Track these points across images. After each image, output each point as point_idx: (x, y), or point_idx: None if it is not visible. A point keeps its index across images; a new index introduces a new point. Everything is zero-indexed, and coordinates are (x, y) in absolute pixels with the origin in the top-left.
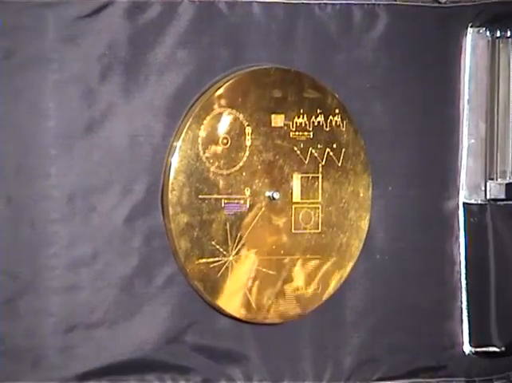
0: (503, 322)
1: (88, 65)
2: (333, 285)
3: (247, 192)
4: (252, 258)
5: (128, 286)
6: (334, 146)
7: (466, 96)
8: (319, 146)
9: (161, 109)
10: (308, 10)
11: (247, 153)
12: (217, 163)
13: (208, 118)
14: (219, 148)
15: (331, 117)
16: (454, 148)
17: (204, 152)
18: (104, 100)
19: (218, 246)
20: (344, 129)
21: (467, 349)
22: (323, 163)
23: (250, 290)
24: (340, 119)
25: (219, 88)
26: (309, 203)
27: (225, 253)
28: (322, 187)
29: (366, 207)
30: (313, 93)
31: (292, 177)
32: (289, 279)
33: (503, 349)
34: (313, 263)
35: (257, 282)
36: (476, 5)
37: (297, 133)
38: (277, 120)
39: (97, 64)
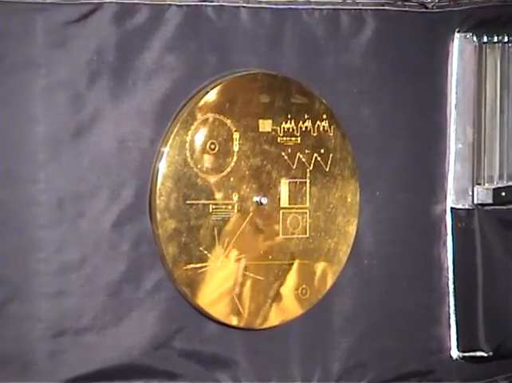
0: (491, 327)
1: (77, 70)
2: (321, 290)
3: (235, 197)
4: (240, 264)
5: (116, 291)
6: (322, 151)
7: (454, 101)
8: (307, 151)
9: (149, 114)
10: (295, 15)
11: (235, 158)
12: (204, 169)
13: (196, 123)
14: (207, 154)
15: (318, 122)
16: (441, 152)
17: (192, 158)
18: (92, 105)
19: (206, 252)
20: (331, 134)
21: (455, 353)
22: (311, 168)
23: (238, 295)
24: (327, 124)
25: (207, 93)
26: (297, 208)
27: (213, 258)
28: (310, 193)
29: (354, 212)
30: (301, 98)
31: (280, 182)
32: (277, 284)
33: (491, 353)
34: (300, 268)
35: (245, 288)
36: (463, 10)
37: (284, 138)
38: (265, 126)
39: (85, 69)
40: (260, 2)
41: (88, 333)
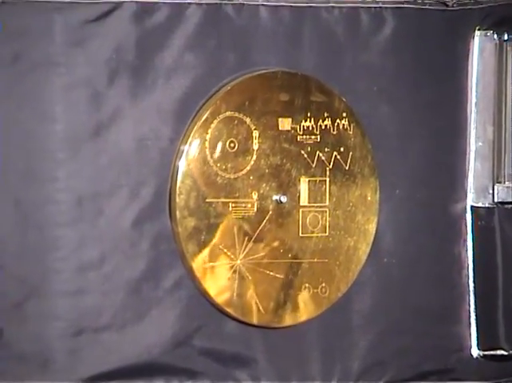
0: (511, 326)
1: (96, 69)
2: (341, 288)
3: (254, 196)
4: (259, 262)
5: (135, 289)
6: (341, 149)
7: (474, 99)
8: (326, 149)
9: (168, 113)
10: (315, 13)
11: (254, 157)
12: (224, 167)
13: (215, 122)
14: (226, 152)
15: (338, 121)
16: (461, 151)
17: (211, 156)
18: (111, 103)
19: (225, 250)
20: (351, 132)
21: (475, 352)
22: (330, 166)
23: (257, 293)
24: (347, 122)
25: (226, 91)
26: (317, 207)
27: (232, 257)
28: (329, 191)
29: (373, 211)
30: (320, 97)
31: (299, 181)
32: (296, 283)
33: (511, 352)
34: (320, 267)
35: (264, 286)
36: (483, 8)
37: (304, 137)
38: (285, 124)
39: (105, 68)
40: (279, 0)
41: (107, 331)
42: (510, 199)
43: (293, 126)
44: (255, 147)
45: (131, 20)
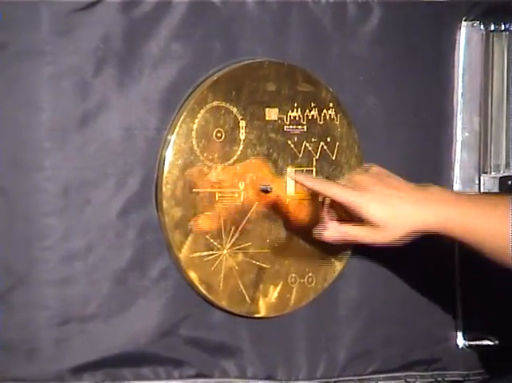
0: (497, 316)
1: (83, 58)
2: (327, 278)
3: (241, 186)
4: (246, 252)
5: (122, 279)
6: (328, 139)
7: (460, 90)
8: (313, 140)
9: (155, 102)
10: (301, 3)
11: (241, 147)
12: (211, 157)
13: (202, 112)
14: (213, 142)
15: (325, 111)
16: (447, 141)
17: (198, 146)
18: (98, 93)
19: (212, 240)
20: (338, 123)
21: (461, 342)
22: (317, 156)
23: (243, 283)
24: (334, 112)
25: (213, 81)
26: (303, 197)
27: (219, 246)
28: None
29: None
30: (307, 87)
31: (286, 171)
32: (283, 273)
33: (497, 342)
34: (306, 257)
35: (251, 276)
36: None
37: (290, 127)
38: (271, 114)
39: (91, 57)
40: None
41: (93, 320)
42: (495, 190)
43: (280, 116)
44: (242, 137)
45: (118, 9)
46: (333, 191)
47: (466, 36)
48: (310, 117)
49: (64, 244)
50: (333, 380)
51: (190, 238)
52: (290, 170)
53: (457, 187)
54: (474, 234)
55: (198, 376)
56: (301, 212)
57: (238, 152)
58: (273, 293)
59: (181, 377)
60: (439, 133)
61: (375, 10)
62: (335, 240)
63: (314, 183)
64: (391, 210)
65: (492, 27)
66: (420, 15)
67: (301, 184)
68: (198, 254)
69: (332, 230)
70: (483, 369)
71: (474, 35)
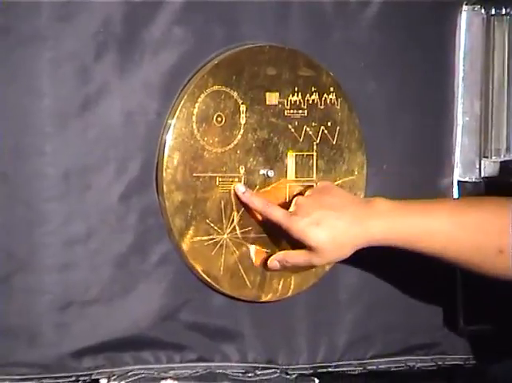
0: (498, 301)
1: (83, 43)
2: None
3: (241, 170)
4: (246, 237)
5: (123, 263)
6: (329, 124)
7: (461, 74)
8: (313, 124)
9: (156, 87)
10: None
11: (242, 131)
12: (211, 141)
13: (202, 96)
14: (214, 126)
15: (325, 95)
16: (448, 125)
17: (198, 130)
18: (98, 78)
19: (212, 225)
20: (338, 107)
21: (462, 326)
22: (317, 141)
23: (244, 268)
24: (334, 97)
25: (214, 65)
26: (304, 181)
27: (219, 231)
28: (317, 165)
29: (361, 185)
30: (308, 71)
31: (286, 155)
32: None
33: (497, 327)
34: None
35: (251, 260)
36: None
37: (291, 111)
38: (272, 98)
39: (92, 42)
40: None
41: (95, 305)
42: (496, 174)
43: (281, 100)
44: (242, 121)
45: None
46: (276, 215)
47: (467, 20)
48: (311, 102)
49: (65, 229)
50: (334, 364)
51: (190, 223)
52: (239, 185)
53: (458, 171)
54: (421, 242)
55: (199, 360)
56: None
57: (239, 137)
58: (274, 277)
59: (182, 362)
60: (439, 118)
61: None
62: (276, 267)
63: (259, 205)
64: (329, 232)
65: (493, 11)
66: (421, 0)
67: (246, 204)
68: (198, 238)
69: (273, 258)
70: (483, 354)
71: (475, 19)
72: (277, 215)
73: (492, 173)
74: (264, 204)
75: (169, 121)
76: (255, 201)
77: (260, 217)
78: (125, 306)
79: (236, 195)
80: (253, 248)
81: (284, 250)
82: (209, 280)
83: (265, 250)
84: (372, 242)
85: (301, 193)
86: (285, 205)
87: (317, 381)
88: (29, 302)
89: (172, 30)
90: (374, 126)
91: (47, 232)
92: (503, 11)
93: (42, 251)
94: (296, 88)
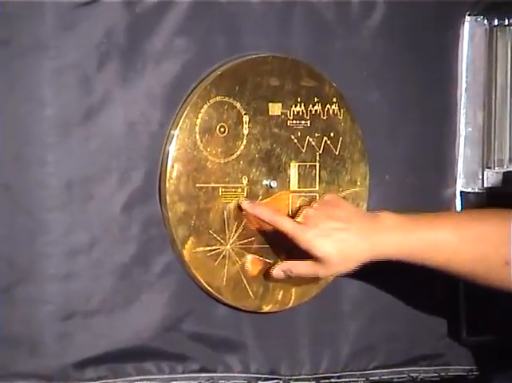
0: (500, 311)
1: (86, 53)
2: None
3: (244, 181)
4: (249, 247)
5: (125, 273)
6: (332, 134)
7: (464, 85)
8: (316, 134)
9: (159, 97)
10: None
11: (244, 142)
12: (214, 152)
13: (205, 106)
14: (216, 137)
15: (328, 106)
16: (451, 136)
17: (201, 141)
18: (101, 88)
19: (215, 235)
20: (341, 118)
21: (464, 337)
22: (320, 151)
23: (247, 278)
24: (337, 107)
25: (217, 76)
26: (307, 192)
27: (222, 241)
28: (319, 176)
29: (363, 196)
30: (311, 82)
31: (289, 166)
32: None
33: (500, 337)
34: None
35: (254, 271)
36: None
37: (294, 122)
38: (275, 109)
39: (95, 52)
40: None
41: (97, 315)
42: (499, 185)
43: (284, 111)
44: (245, 131)
45: (121, 4)
46: (285, 226)
47: (470, 31)
48: (314, 112)
49: (68, 239)
50: (337, 375)
51: (193, 234)
52: (246, 202)
53: (461, 182)
54: (427, 256)
55: (201, 371)
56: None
57: (242, 147)
58: (277, 288)
59: (184, 372)
60: (442, 128)
61: (378, 5)
62: (280, 277)
63: (268, 216)
64: (337, 244)
65: (496, 22)
66: (424, 10)
67: (255, 216)
68: (201, 249)
69: (278, 268)
70: (486, 364)
71: (478, 30)
72: (286, 224)
73: (495, 184)
74: (272, 214)
75: (172, 132)
76: (263, 211)
77: (266, 227)
78: (128, 316)
79: (239, 206)
80: (249, 257)
81: (287, 260)
82: (211, 290)
83: (267, 260)
84: (378, 257)
85: (304, 205)
86: (288, 216)
87: None
88: (30, 312)
89: (175, 41)
90: (376, 137)
91: (49, 242)
92: (506, 22)
93: (44, 261)
94: (299, 99)
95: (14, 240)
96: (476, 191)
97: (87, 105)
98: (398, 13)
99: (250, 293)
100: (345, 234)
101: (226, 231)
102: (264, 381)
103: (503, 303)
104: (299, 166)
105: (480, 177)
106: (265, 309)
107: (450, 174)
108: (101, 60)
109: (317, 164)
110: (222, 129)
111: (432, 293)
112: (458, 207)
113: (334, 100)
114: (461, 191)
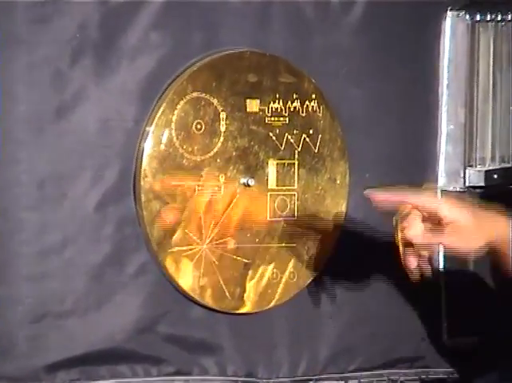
0: (481, 314)
1: (59, 48)
2: (309, 274)
3: (221, 179)
4: (226, 246)
5: (99, 274)
6: (311, 132)
7: (445, 81)
8: (295, 132)
9: (133, 93)
10: None
11: (222, 139)
12: (190, 149)
13: (181, 103)
14: (193, 134)
15: (307, 102)
16: (432, 133)
17: (177, 138)
18: (75, 83)
19: (191, 234)
20: (320, 115)
21: (445, 340)
22: (299, 149)
23: (224, 278)
24: (316, 104)
25: (193, 72)
26: (285, 190)
27: (198, 241)
28: (298, 174)
29: (343, 194)
30: (289, 78)
31: (267, 164)
32: (264, 268)
33: (480, 340)
34: (288, 251)
35: (231, 271)
36: None
37: (272, 119)
38: (253, 105)
39: (68, 47)
40: None
41: (70, 316)
42: (481, 184)
43: (262, 108)
44: (222, 128)
45: None
46: (421, 198)
47: (452, 26)
48: (292, 109)
49: (41, 238)
50: (315, 377)
51: (168, 233)
52: (368, 190)
53: (442, 180)
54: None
55: (176, 373)
56: (282, 207)
57: (219, 145)
58: (254, 288)
59: (159, 375)
60: (423, 126)
61: (358, 1)
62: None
63: (398, 196)
64: (475, 217)
65: (478, 17)
66: (404, 5)
67: (386, 201)
68: (177, 248)
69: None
70: (467, 367)
71: (460, 25)
72: (423, 198)
73: (477, 182)
74: (401, 192)
75: (147, 128)
76: (392, 194)
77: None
78: (101, 317)
79: (215, 204)
80: None
81: (265, 260)
82: (188, 291)
83: (245, 260)
84: (492, 244)
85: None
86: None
87: None
88: (3, 313)
89: (150, 35)
90: (356, 134)
91: (22, 241)
92: (488, 17)
93: (17, 261)
94: (277, 95)
95: None
96: (458, 189)
97: (60, 102)
98: (378, 9)
99: (227, 293)
100: (481, 215)
101: (203, 231)
102: None
103: (484, 305)
104: (277, 164)
105: (462, 175)
106: (243, 310)
107: (431, 172)
108: (74, 55)
109: (296, 162)
110: (198, 126)
111: (413, 295)
112: None
113: (313, 96)
114: (442, 190)
